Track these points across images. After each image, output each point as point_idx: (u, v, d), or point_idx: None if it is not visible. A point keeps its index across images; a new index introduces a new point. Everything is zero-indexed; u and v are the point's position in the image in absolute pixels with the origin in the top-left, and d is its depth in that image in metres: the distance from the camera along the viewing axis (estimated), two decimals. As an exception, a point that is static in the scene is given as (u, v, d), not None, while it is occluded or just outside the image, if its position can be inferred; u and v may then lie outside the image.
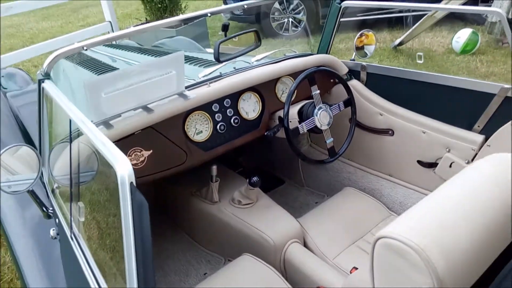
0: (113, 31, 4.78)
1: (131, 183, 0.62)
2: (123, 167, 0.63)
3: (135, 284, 0.60)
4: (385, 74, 1.78)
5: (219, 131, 1.56)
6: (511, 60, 4.14)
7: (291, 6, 5.89)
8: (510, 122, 1.42)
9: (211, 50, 2.09)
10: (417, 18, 4.67)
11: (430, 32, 5.56)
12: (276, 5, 5.91)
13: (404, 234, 0.51)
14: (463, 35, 4.56)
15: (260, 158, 2.43)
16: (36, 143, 2.02)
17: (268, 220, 1.59)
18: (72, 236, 0.96)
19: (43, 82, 1.13)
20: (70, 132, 0.94)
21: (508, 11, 4.54)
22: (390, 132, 1.78)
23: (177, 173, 1.50)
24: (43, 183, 1.37)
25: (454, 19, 5.43)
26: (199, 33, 5.21)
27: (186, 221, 1.95)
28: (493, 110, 1.49)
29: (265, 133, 1.69)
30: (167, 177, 1.52)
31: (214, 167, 1.66)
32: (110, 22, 5.08)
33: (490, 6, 4.75)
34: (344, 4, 1.76)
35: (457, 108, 1.60)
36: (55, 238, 1.19)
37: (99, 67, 2.00)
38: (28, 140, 2.13)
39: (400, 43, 4.81)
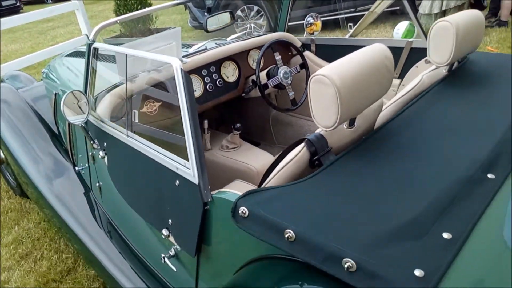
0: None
1: (181, 68, 1.12)
2: (175, 61, 1.13)
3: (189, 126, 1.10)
4: (329, 44, 2.34)
5: (208, 90, 2.06)
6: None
7: (252, 13, 6.50)
8: (414, 66, 2.01)
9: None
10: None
11: (376, 28, 6.32)
12: (239, 12, 6.52)
13: (321, 71, 1.03)
14: (401, 27, 5.26)
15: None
16: (52, 127, 2.51)
17: (251, 156, 2.09)
18: (129, 133, 1.42)
19: (92, 44, 1.60)
20: (126, 65, 1.42)
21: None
22: None
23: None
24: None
25: (396, 15, 6.19)
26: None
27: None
28: (404, 59, 2.08)
29: (242, 94, 2.22)
30: None
31: (206, 121, 2.15)
32: (86, 35, 5.52)
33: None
34: (295, -10, 2.32)
35: None
36: (103, 157, 1.65)
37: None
38: (45, 125, 2.57)
39: (350, 38, 5.46)
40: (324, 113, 1.06)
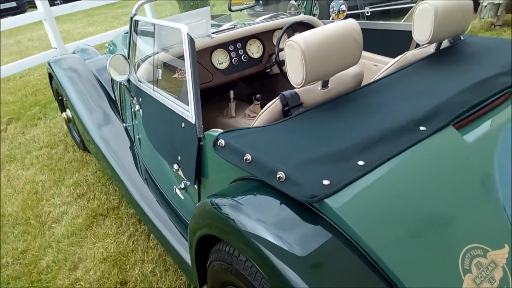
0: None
1: (187, 33, 1.44)
2: (184, 27, 1.45)
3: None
4: None
5: (234, 63, 2.38)
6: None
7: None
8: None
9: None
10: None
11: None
12: (292, 1, 6.75)
13: (292, 38, 1.29)
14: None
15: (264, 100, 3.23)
16: (110, 92, 2.96)
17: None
18: (155, 88, 1.79)
19: (133, 17, 1.99)
20: (154, 33, 1.79)
21: None
22: None
23: (206, 89, 2.33)
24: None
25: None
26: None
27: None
28: (415, 42, 2.23)
29: (266, 70, 2.50)
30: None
31: (232, 91, 2.47)
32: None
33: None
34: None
35: (397, 45, 2.34)
36: (139, 110, 2.04)
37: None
38: (104, 91, 3.04)
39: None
40: (294, 72, 1.33)
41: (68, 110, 3.26)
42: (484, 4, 5.19)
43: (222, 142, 1.26)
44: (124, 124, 2.59)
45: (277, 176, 1.06)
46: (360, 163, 1.06)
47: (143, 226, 2.40)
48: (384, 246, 0.92)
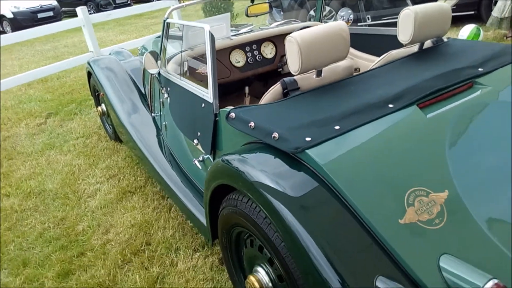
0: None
1: (209, 31, 1.79)
2: (207, 26, 1.81)
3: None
4: (353, 32, 2.86)
5: (249, 62, 2.72)
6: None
7: (324, 13, 7.03)
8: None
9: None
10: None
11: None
12: (312, 12, 7.11)
13: (291, 34, 1.62)
14: (466, 30, 5.40)
15: None
16: (141, 88, 3.34)
17: None
18: (181, 78, 2.15)
19: (166, 20, 2.37)
20: (183, 33, 2.15)
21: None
22: (357, 69, 2.84)
23: (225, 84, 2.68)
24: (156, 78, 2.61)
25: (471, 19, 6.24)
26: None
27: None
28: None
29: (278, 69, 2.84)
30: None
31: (247, 87, 2.82)
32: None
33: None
34: (326, -10, 2.88)
35: (391, 48, 2.64)
36: (167, 98, 2.40)
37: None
38: (136, 87, 3.44)
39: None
40: (292, 62, 1.66)
41: (102, 105, 3.67)
42: (495, 14, 5.41)
43: (233, 115, 1.59)
44: (152, 114, 2.97)
45: (272, 136, 1.38)
46: (336, 127, 1.37)
47: (165, 201, 2.75)
48: (350, 185, 1.22)
